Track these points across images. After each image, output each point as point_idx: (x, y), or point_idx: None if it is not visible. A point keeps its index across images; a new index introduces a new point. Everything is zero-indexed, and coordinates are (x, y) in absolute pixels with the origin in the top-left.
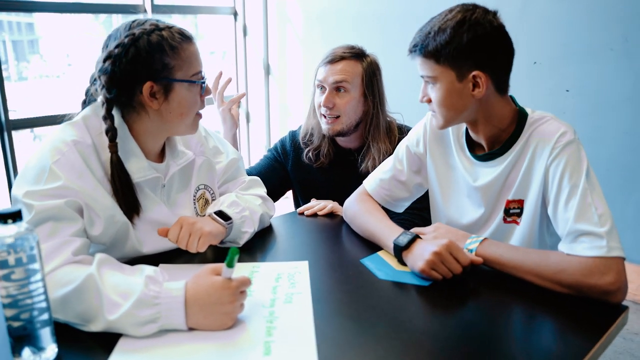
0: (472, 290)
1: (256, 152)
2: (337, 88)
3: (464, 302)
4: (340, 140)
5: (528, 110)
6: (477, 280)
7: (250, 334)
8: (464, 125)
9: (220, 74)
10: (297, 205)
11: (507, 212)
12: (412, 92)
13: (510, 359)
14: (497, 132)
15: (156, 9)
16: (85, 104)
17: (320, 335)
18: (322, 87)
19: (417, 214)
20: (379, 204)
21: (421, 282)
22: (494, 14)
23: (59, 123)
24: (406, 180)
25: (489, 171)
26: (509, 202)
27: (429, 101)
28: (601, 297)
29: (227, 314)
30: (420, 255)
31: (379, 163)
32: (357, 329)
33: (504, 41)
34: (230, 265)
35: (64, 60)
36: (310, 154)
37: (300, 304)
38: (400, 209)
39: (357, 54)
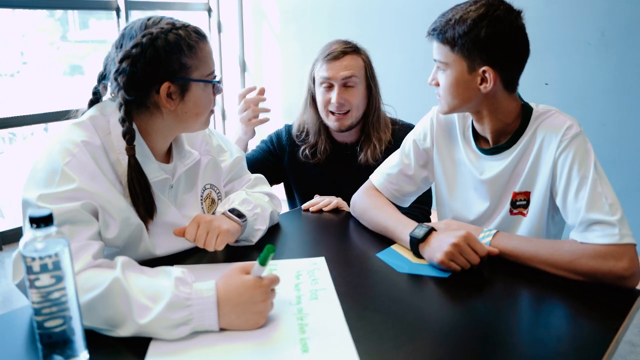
0: (490, 280)
1: None
2: (346, 83)
3: (485, 292)
4: (338, 136)
5: (532, 104)
6: (493, 270)
7: (283, 332)
8: (470, 119)
9: (262, 90)
10: (291, 201)
11: (513, 204)
12: (391, 88)
13: (541, 345)
14: (503, 126)
15: (130, 5)
16: (92, 103)
17: (353, 330)
18: (329, 85)
19: (418, 207)
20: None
21: (440, 273)
22: (518, 13)
23: (36, 123)
24: (413, 175)
25: (496, 164)
26: (515, 194)
27: (437, 85)
28: (616, 283)
29: (260, 312)
30: (439, 247)
31: (380, 153)
32: (388, 322)
33: (521, 42)
34: (264, 263)
35: (19, 59)
36: (306, 151)
37: (327, 299)
38: (406, 203)
39: (355, 48)
